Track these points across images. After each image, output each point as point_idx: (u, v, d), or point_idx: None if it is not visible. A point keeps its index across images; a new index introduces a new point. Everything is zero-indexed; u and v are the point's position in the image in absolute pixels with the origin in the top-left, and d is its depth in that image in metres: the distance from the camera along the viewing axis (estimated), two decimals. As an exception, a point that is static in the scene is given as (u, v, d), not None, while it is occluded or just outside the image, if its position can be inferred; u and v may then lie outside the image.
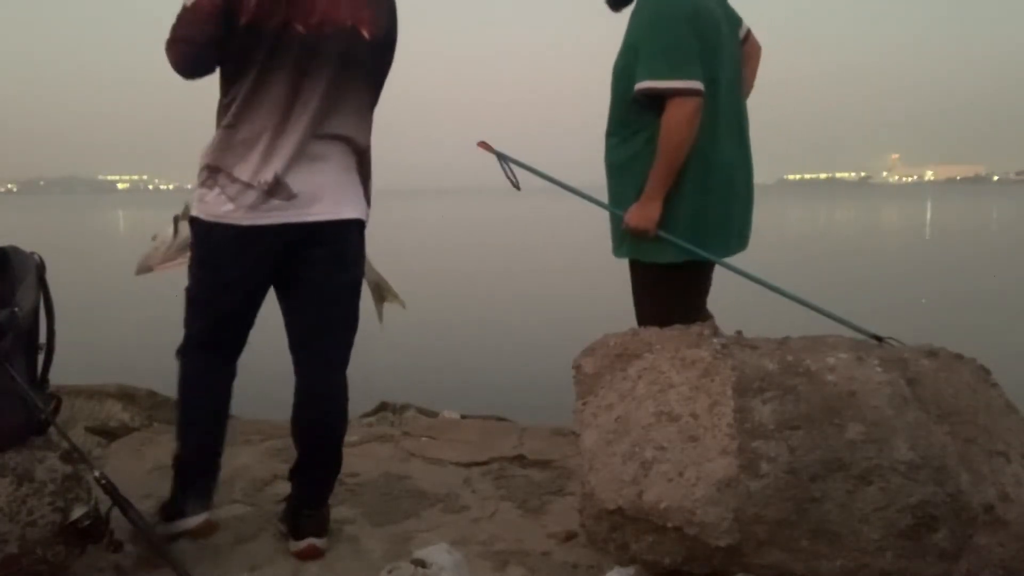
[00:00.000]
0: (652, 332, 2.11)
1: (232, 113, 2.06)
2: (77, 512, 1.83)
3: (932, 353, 1.95)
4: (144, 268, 2.51)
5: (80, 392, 3.53)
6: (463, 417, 3.94)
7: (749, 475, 1.68)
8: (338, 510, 2.48)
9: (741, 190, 2.53)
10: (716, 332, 2.07)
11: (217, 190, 2.09)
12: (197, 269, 2.24)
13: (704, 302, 2.61)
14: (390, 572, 1.84)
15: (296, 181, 2.08)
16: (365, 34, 2.10)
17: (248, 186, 2.06)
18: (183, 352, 2.36)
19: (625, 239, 2.50)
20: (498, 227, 35.72)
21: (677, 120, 2.29)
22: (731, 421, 1.74)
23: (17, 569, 1.77)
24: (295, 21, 2.01)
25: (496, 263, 17.49)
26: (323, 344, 2.28)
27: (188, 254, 2.33)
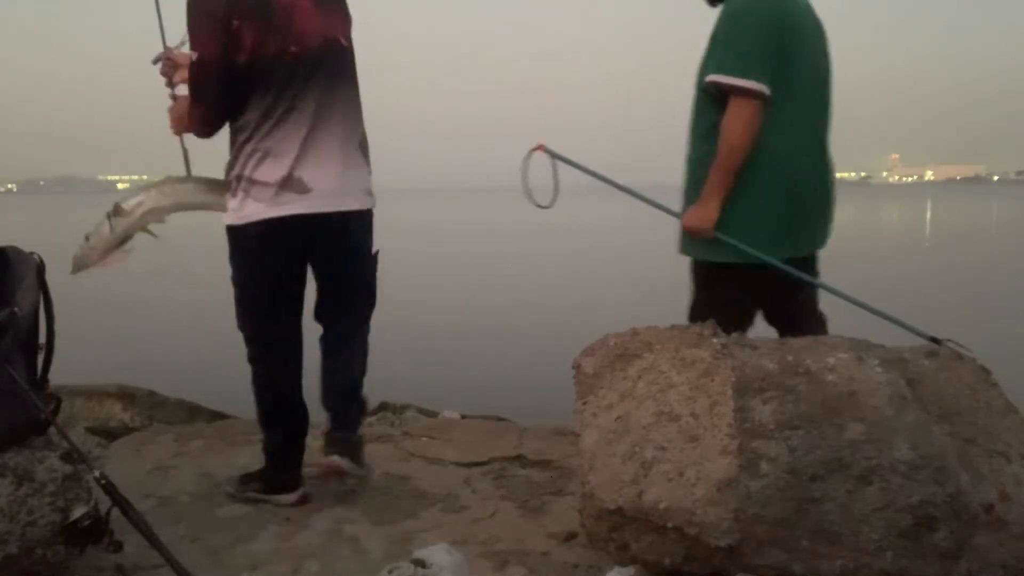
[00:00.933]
0: (652, 332, 2.11)
1: (251, 131, 2.35)
2: (77, 512, 1.83)
3: (932, 353, 1.95)
4: (81, 266, 2.55)
5: (80, 392, 3.53)
6: (463, 417, 3.94)
7: (749, 475, 1.68)
8: (338, 510, 2.48)
9: (814, 197, 2.47)
10: (716, 332, 2.07)
11: (249, 193, 2.38)
12: (245, 274, 2.50)
13: (759, 307, 2.54)
14: (390, 572, 1.84)
15: (316, 177, 2.39)
16: (343, 41, 2.45)
17: (271, 185, 2.35)
18: (252, 356, 2.56)
19: (684, 236, 2.49)
20: (498, 227, 35.73)
21: (735, 120, 2.29)
22: (731, 421, 1.74)
23: (17, 569, 1.77)
24: (289, 45, 2.31)
25: (496, 263, 17.49)
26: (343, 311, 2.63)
27: (124, 250, 2.53)
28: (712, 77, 2.33)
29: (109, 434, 3.33)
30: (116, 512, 1.84)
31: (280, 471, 2.55)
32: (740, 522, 1.67)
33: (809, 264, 2.52)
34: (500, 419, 3.87)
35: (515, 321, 9.65)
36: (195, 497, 2.59)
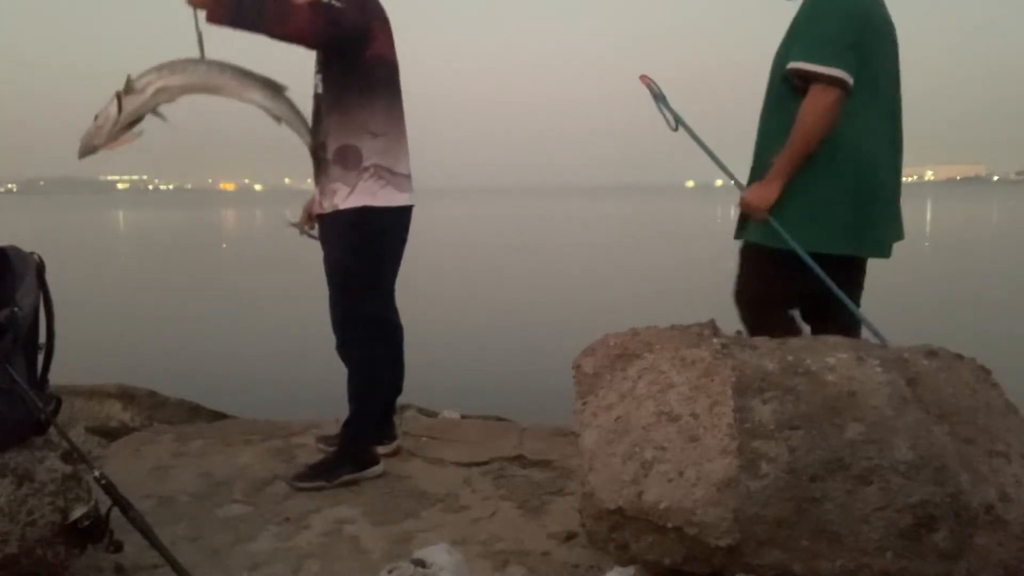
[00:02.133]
0: (652, 332, 2.11)
1: (380, 124, 2.64)
2: (77, 512, 1.83)
3: (932, 353, 1.95)
4: (88, 149, 2.48)
5: (80, 392, 3.53)
6: (463, 417, 3.94)
7: (749, 475, 1.68)
8: (338, 510, 2.49)
9: (884, 199, 2.45)
10: (716, 332, 2.07)
11: (387, 179, 2.65)
12: (371, 255, 2.68)
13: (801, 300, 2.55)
14: (390, 572, 1.84)
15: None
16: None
17: (402, 176, 2.70)
18: (366, 335, 2.72)
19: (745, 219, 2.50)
20: (498, 227, 35.75)
21: (815, 107, 2.27)
22: (731, 421, 1.74)
23: (17, 569, 1.77)
24: (390, 54, 2.66)
25: (496, 263, 17.50)
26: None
27: (134, 131, 2.46)
28: (794, 64, 2.31)
29: (109, 434, 3.33)
30: (116, 512, 1.84)
31: (369, 446, 2.78)
32: (740, 522, 1.67)
33: (861, 270, 2.51)
34: (500, 419, 3.87)
35: (515, 321, 9.65)
36: (195, 497, 2.59)
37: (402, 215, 2.73)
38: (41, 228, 34.37)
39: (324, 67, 2.63)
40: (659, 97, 2.64)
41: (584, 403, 2.06)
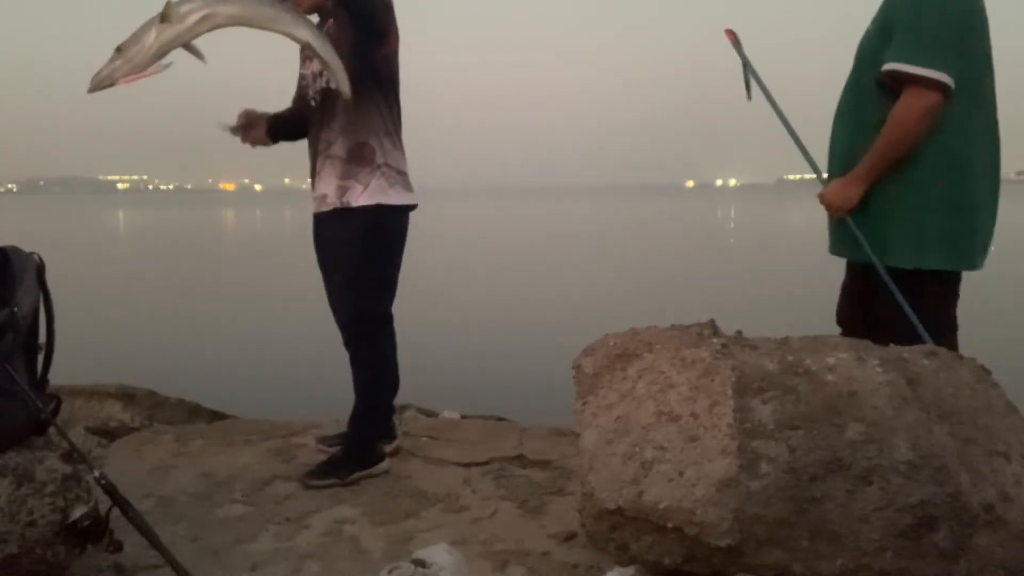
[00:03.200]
0: (652, 332, 2.11)
1: (390, 124, 2.67)
2: (77, 512, 1.83)
3: (932, 353, 1.95)
4: (105, 82, 2.23)
5: (80, 392, 3.53)
6: (463, 417, 3.94)
7: (749, 475, 1.68)
8: (338, 510, 2.49)
9: (984, 201, 2.31)
10: (716, 332, 2.07)
11: (397, 177, 2.67)
12: (382, 252, 2.68)
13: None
14: (390, 572, 1.84)
15: None
16: None
17: (406, 175, 2.72)
18: (377, 332, 2.74)
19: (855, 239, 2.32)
20: (498, 227, 35.74)
21: (911, 109, 2.14)
22: (731, 421, 1.74)
23: (17, 569, 1.77)
24: (396, 54, 2.67)
25: (496, 263, 17.50)
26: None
27: (161, 63, 2.24)
28: (891, 66, 2.16)
29: (109, 434, 3.32)
30: (116, 512, 1.84)
31: (376, 444, 2.80)
32: (740, 522, 1.67)
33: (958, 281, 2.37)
34: (500, 419, 3.87)
35: (515, 321, 9.66)
36: (195, 497, 2.59)
37: (407, 214, 2.75)
38: (41, 228, 34.37)
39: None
40: (745, 63, 2.47)
41: (584, 403, 2.06)
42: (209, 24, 2.26)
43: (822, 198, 2.36)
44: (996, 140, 2.32)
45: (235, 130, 2.85)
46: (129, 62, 2.22)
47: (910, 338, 2.13)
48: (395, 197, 2.66)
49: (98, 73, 2.22)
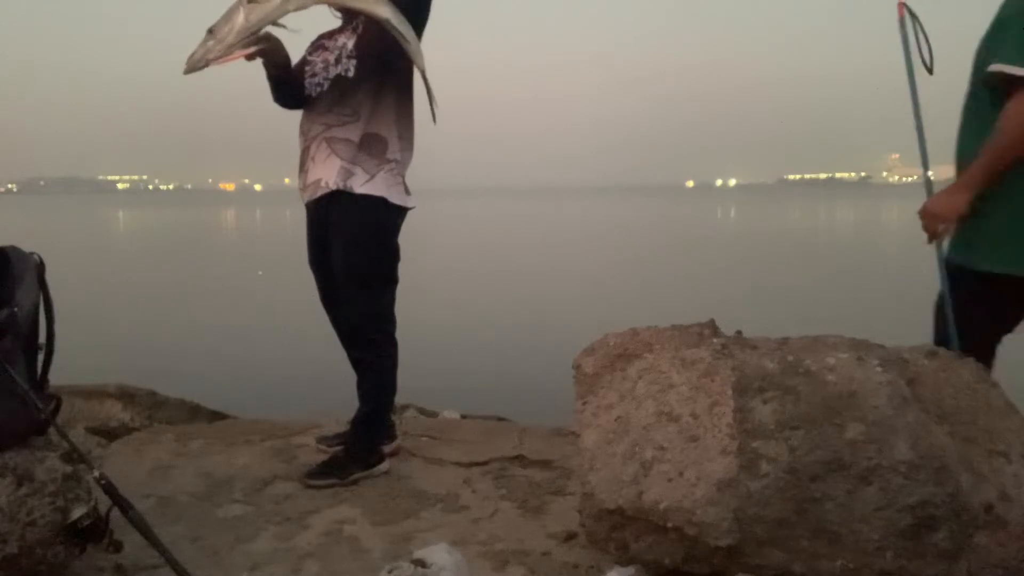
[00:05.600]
0: (652, 332, 2.11)
1: (405, 126, 2.68)
2: (77, 512, 1.83)
3: (932, 353, 1.95)
4: (199, 63, 2.29)
5: (80, 392, 3.53)
6: (463, 417, 3.94)
7: (749, 475, 1.68)
8: (338, 510, 2.49)
9: None
10: (716, 332, 2.07)
11: (400, 179, 2.67)
12: (387, 252, 2.69)
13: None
14: (390, 572, 1.84)
15: None
16: None
17: (404, 179, 2.70)
18: (390, 333, 2.76)
19: (957, 240, 2.24)
20: (498, 227, 35.74)
21: (1018, 115, 2.05)
22: (731, 421, 1.74)
23: (17, 569, 1.77)
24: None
25: (496, 263, 17.50)
26: None
27: (248, 45, 2.32)
28: (997, 67, 2.08)
29: (109, 434, 3.32)
30: (116, 512, 1.84)
31: (378, 445, 2.81)
32: (740, 522, 1.67)
33: None
34: (500, 419, 3.87)
35: (515, 321, 9.66)
36: (195, 497, 2.59)
37: (403, 216, 2.73)
38: (41, 228, 34.37)
39: (362, 53, 2.58)
40: (916, 25, 2.34)
41: (584, 403, 2.06)
42: (296, 3, 2.32)
43: (925, 213, 2.23)
44: None
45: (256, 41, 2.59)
46: (221, 42, 2.29)
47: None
48: (397, 196, 2.66)
49: (192, 55, 2.30)
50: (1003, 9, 2.17)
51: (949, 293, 2.25)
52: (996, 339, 2.25)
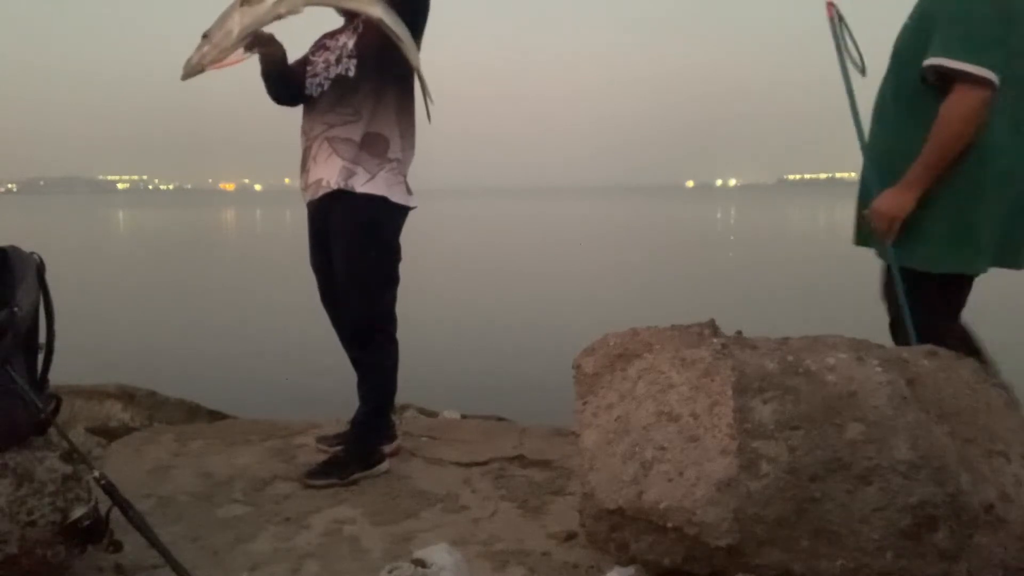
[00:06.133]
0: (652, 332, 2.11)
1: (407, 125, 2.68)
2: (77, 512, 1.83)
3: (932, 353, 1.95)
4: (195, 69, 2.34)
5: (80, 392, 3.53)
6: (463, 417, 3.94)
7: (749, 475, 1.68)
8: (338, 510, 2.49)
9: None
10: (716, 332, 2.07)
11: (402, 179, 2.68)
12: (388, 252, 2.69)
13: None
14: (390, 572, 1.84)
15: None
16: None
17: (406, 179, 2.71)
18: (390, 333, 2.76)
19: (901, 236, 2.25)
20: (498, 227, 35.75)
21: (960, 109, 2.06)
22: (731, 421, 1.74)
23: (17, 569, 1.77)
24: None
25: (496, 263, 17.50)
26: None
27: (243, 50, 2.36)
28: (935, 60, 2.08)
29: (109, 434, 3.32)
30: (116, 512, 1.84)
31: (378, 445, 2.80)
32: (740, 522, 1.67)
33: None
34: (500, 419, 3.87)
35: (515, 321, 9.65)
36: (195, 497, 2.59)
37: (404, 216, 2.73)
38: (41, 228, 34.37)
39: (363, 53, 2.58)
40: (841, 26, 2.34)
41: (584, 403, 2.06)
42: (288, 6, 2.34)
43: (874, 212, 2.24)
44: None
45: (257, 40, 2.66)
46: (216, 47, 2.33)
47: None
48: (398, 196, 2.66)
49: (188, 61, 2.34)
50: (931, 3, 2.17)
51: (903, 292, 2.26)
52: (954, 319, 2.30)
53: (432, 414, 4.08)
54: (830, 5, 2.34)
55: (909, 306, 2.26)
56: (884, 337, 2.31)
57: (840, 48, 2.35)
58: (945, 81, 2.11)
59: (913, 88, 2.20)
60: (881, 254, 2.34)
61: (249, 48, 2.51)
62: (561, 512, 2.43)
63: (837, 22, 2.35)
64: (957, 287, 2.27)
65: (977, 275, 2.25)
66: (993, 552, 1.68)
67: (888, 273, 2.36)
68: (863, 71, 2.37)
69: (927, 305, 2.25)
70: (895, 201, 2.20)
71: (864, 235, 2.40)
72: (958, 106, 2.08)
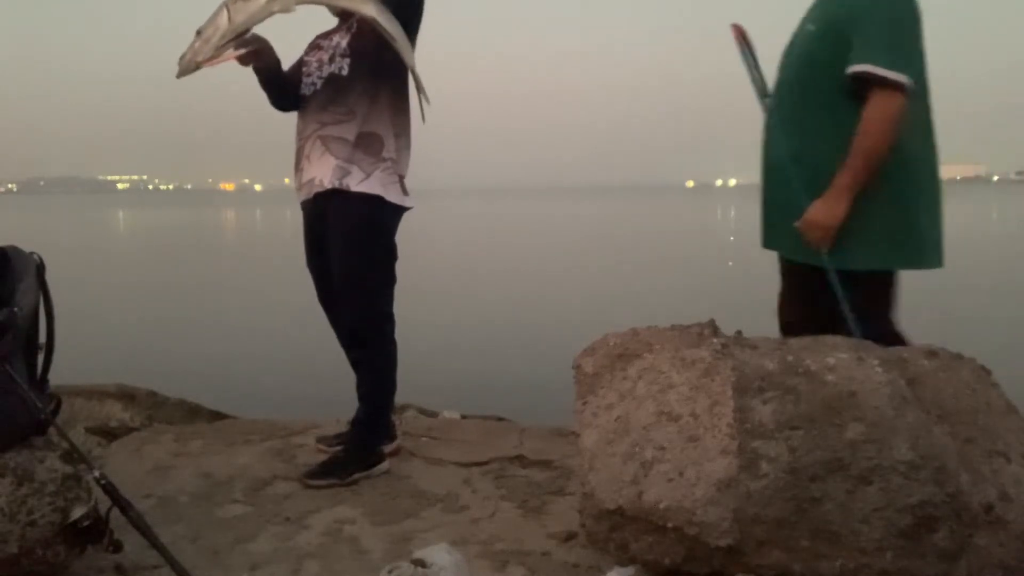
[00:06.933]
0: (652, 332, 2.11)
1: (402, 124, 2.68)
2: (77, 512, 1.83)
3: (932, 353, 1.95)
4: (190, 67, 2.35)
5: (80, 392, 3.53)
6: (463, 417, 3.94)
7: (749, 475, 1.68)
8: (338, 510, 2.48)
9: (939, 199, 2.34)
10: (716, 332, 2.07)
11: (397, 178, 2.66)
12: (385, 252, 2.68)
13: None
14: (390, 572, 1.84)
15: None
16: None
17: (403, 179, 2.70)
18: (389, 333, 2.75)
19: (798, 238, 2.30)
20: (498, 227, 35.74)
21: (882, 113, 2.13)
22: (731, 421, 1.74)
23: (17, 569, 1.77)
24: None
25: (496, 263, 17.50)
26: None
27: (236, 47, 2.37)
28: (860, 68, 2.14)
29: (109, 434, 3.32)
30: (116, 512, 1.84)
31: (378, 446, 2.80)
32: (740, 522, 1.67)
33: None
34: (500, 419, 3.87)
35: (515, 321, 9.66)
36: (195, 497, 2.59)
37: (400, 216, 2.72)
38: (41, 228, 34.38)
39: (356, 52, 2.59)
40: (749, 56, 2.40)
41: (584, 403, 2.06)
42: (281, 4, 2.34)
43: (808, 224, 2.25)
44: (935, 137, 2.32)
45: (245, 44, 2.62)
46: (207, 43, 2.33)
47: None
48: (394, 195, 2.65)
49: (182, 57, 2.35)
50: (839, 14, 2.21)
51: (839, 294, 2.28)
52: (889, 315, 2.35)
53: (432, 414, 4.08)
54: (735, 27, 2.40)
55: (847, 307, 2.29)
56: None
57: (750, 68, 2.41)
58: (863, 87, 2.16)
59: (829, 94, 2.24)
60: (809, 258, 2.34)
61: (242, 49, 2.52)
62: (561, 512, 2.43)
63: (743, 44, 2.41)
64: (890, 284, 2.33)
65: (917, 270, 2.30)
66: (993, 552, 1.68)
67: (791, 276, 2.44)
68: (765, 93, 2.42)
69: (869, 304, 2.30)
70: (829, 211, 2.22)
71: (775, 239, 2.46)
72: (879, 111, 2.14)
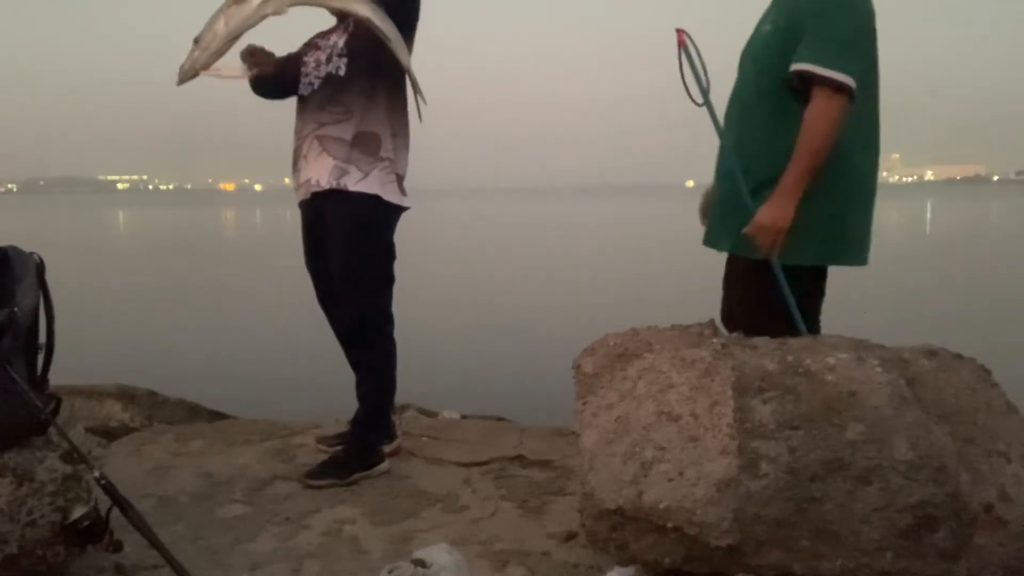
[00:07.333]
0: (652, 332, 2.11)
1: (399, 124, 2.68)
2: (77, 512, 1.83)
3: (932, 353, 1.95)
4: (190, 74, 2.39)
5: (80, 392, 3.53)
6: (463, 417, 3.94)
7: (749, 475, 1.68)
8: (338, 510, 2.49)
9: (872, 200, 2.38)
10: (716, 332, 2.07)
11: (394, 178, 2.66)
12: (383, 251, 2.68)
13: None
14: (390, 572, 1.84)
15: None
16: None
17: (402, 179, 2.71)
18: (388, 333, 2.76)
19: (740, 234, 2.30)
20: (498, 227, 35.75)
21: (825, 113, 2.14)
22: (731, 421, 1.74)
23: (17, 569, 1.77)
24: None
25: (496, 263, 17.50)
26: None
27: (244, 67, 2.45)
28: (802, 66, 2.15)
29: (109, 434, 3.33)
30: (116, 512, 1.84)
31: (378, 445, 2.79)
32: (740, 522, 1.67)
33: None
34: (500, 419, 3.87)
35: (515, 321, 9.66)
36: (195, 497, 2.59)
37: (399, 216, 2.73)
38: (41, 228, 34.38)
39: (353, 51, 2.59)
40: (687, 56, 2.39)
41: (584, 403, 2.06)
42: (274, 6, 2.35)
43: (758, 228, 2.24)
44: (878, 139, 2.35)
45: (245, 56, 2.70)
46: (205, 50, 2.36)
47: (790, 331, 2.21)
48: (392, 195, 2.65)
49: (181, 66, 2.38)
50: (791, 13, 2.23)
51: (783, 289, 2.30)
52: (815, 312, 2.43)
53: (432, 414, 4.09)
54: (680, 32, 2.40)
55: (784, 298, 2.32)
56: (884, 337, 2.31)
57: (696, 72, 2.41)
58: (807, 86, 2.17)
59: (777, 93, 2.25)
60: (750, 252, 2.35)
61: (253, 74, 2.63)
62: (561, 512, 2.43)
63: (688, 49, 2.40)
64: (821, 279, 2.40)
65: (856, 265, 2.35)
66: (993, 552, 1.68)
67: (732, 264, 2.46)
68: (705, 98, 2.42)
69: (804, 295, 2.34)
70: (777, 213, 2.23)
71: (717, 239, 2.48)
72: (821, 111, 2.14)
